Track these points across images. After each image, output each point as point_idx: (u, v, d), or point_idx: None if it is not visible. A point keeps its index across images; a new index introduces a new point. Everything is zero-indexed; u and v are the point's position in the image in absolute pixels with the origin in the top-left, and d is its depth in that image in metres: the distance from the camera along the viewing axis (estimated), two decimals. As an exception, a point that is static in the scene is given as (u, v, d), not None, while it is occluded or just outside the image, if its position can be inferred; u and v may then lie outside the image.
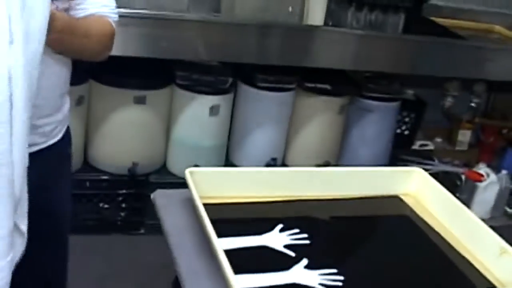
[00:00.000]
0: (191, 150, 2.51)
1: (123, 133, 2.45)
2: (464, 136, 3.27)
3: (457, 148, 3.28)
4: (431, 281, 1.28)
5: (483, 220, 3.04)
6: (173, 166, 2.56)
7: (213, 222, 1.28)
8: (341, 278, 1.20)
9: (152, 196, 1.46)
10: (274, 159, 2.63)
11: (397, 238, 1.43)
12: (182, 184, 1.38)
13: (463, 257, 1.33)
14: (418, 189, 1.54)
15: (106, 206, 2.52)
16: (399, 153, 3.07)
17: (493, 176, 3.00)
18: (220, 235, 1.26)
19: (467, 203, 3.08)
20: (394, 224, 1.48)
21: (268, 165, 2.61)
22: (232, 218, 1.38)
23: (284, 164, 2.74)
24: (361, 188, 1.51)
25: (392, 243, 1.41)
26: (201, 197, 1.37)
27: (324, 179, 1.48)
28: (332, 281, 1.19)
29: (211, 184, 1.40)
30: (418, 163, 3.00)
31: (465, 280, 1.28)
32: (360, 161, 2.78)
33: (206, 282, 1.17)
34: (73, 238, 2.52)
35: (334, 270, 1.22)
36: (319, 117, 2.65)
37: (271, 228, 1.34)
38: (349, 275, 1.22)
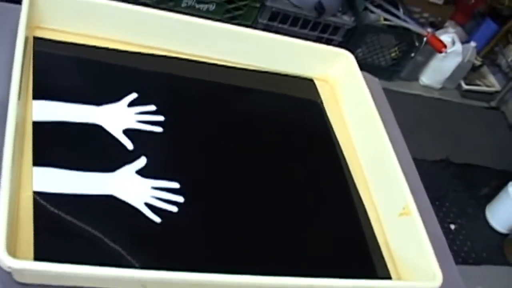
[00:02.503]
0: None
1: None
2: (444, -13, 2.82)
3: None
4: (309, 213, 0.96)
5: (431, 89, 2.74)
6: None
7: (39, 70, 0.92)
8: (180, 199, 0.87)
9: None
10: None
11: (285, 138, 1.06)
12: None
13: (359, 196, 1.01)
14: (339, 78, 1.18)
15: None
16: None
17: (458, 46, 2.63)
18: (42, 94, 0.90)
19: (420, 67, 2.74)
20: (288, 113, 1.11)
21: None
22: (68, 68, 0.99)
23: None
24: (265, 60, 1.13)
25: (275, 142, 1.05)
26: (39, 28, 0.99)
27: (217, 38, 1.09)
28: (163, 203, 0.86)
29: (60, 13, 1.00)
30: (379, 7, 2.59)
31: (345, 224, 0.97)
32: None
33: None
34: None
35: (176, 185, 0.89)
36: None
37: (119, 96, 0.97)
38: (194, 193, 0.89)
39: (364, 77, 1.13)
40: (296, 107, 1.14)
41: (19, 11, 0.94)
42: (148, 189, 0.86)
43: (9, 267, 0.65)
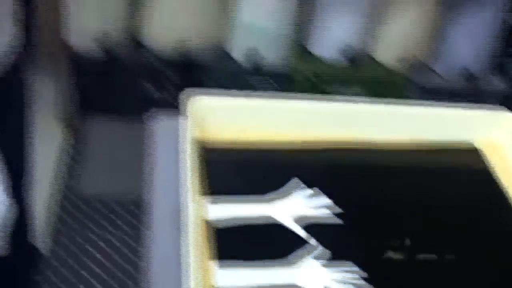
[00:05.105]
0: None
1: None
2: None
3: None
4: None
5: None
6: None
7: (213, 173, 0.96)
8: (369, 290, 0.85)
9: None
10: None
11: (461, 218, 1.02)
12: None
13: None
14: (504, 141, 1.12)
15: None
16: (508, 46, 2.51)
17: None
18: (218, 192, 0.94)
19: None
20: (459, 189, 1.08)
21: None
22: (237, 173, 1.02)
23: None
24: (422, 134, 1.11)
25: (450, 223, 1.01)
26: (204, 138, 1.03)
27: (375, 118, 1.10)
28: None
29: (223, 119, 1.04)
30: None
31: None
32: (457, 58, 2.30)
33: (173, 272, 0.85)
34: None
35: (361, 274, 0.87)
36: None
37: (292, 193, 0.98)
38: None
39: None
40: (466, 180, 1.10)
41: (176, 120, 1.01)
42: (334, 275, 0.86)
43: None
